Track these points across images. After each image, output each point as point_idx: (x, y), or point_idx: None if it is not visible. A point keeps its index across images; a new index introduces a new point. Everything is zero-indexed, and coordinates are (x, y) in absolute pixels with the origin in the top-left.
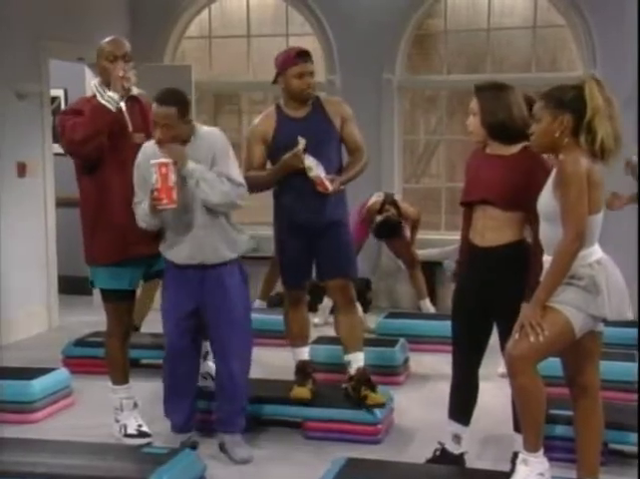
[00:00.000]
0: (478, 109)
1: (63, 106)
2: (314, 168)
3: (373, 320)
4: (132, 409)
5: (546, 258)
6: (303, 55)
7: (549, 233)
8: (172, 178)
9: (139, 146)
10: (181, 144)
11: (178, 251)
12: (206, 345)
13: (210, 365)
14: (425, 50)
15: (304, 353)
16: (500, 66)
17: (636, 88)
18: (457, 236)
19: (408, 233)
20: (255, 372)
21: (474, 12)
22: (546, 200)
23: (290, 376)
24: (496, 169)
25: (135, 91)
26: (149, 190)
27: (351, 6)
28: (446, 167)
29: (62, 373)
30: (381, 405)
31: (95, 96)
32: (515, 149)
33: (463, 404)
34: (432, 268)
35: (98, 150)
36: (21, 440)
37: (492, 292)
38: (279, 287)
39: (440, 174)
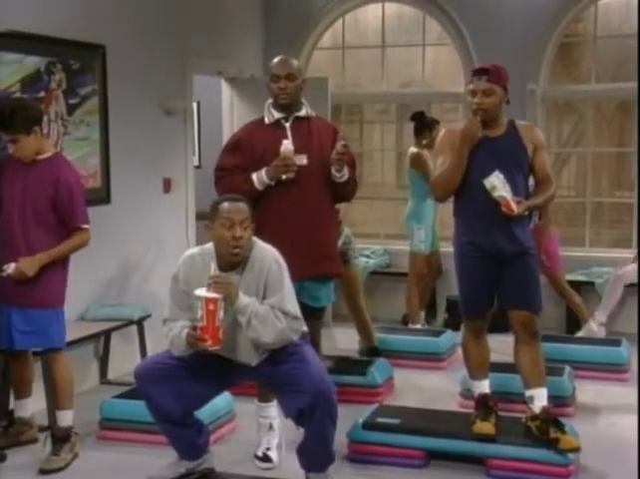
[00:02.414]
0: None
1: (196, 118)
2: (500, 187)
3: None
4: (267, 430)
5: None
6: (478, 72)
7: None
8: (221, 315)
9: (300, 167)
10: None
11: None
12: None
13: None
14: (568, 58)
15: (485, 386)
16: None
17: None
18: (601, 253)
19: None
20: (412, 400)
21: (626, 15)
22: None
23: (448, 402)
24: None
25: (304, 112)
26: (186, 305)
27: (492, 13)
28: (592, 180)
29: (226, 397)
30: (576, 450)
31: (262, 120)
32: None
33: None
34: (577, 288)
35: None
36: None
37: None
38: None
39: (570, 186)
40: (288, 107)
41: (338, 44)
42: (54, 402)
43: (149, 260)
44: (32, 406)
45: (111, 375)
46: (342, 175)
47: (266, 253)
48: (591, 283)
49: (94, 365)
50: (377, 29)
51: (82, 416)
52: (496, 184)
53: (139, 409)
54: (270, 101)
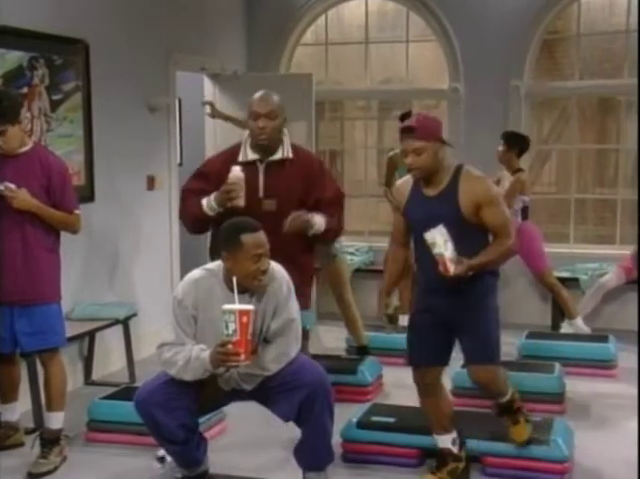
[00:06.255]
0: None
1: (177, 115)
2: (440, 244)
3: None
4: None
5: None
6: (404, 131)
7: None
8: (251, 328)
9: (268, 213)
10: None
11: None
12: None
13: None
14: (551, 54)
15: (446, 441)
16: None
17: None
18: (585, 249)
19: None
20: (402, 398)
21: (610, 13)
22: None
23: None
24: None
25: (280, 154)
26: (192, 331)
27: (475, 9)
28: (575, 176)
29: None
30: (521, 444)
31: (237, 154)
32: None
33: None
34: (562, 284)
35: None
36: None
37: None
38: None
39: (552, 182)
40: (266, 148)
41: (321, 40)
42: (46, 403)
43: (133, 259)
44: (18, 409)
45: (95, 376)
46: (314, 231)
47: (277, 275)
48: (575, 280)
49: (79, 366)
50: (360, 25)
51: (68, 417)
52: (437, 239)
53: (127, 410)
54: (248, 134)
